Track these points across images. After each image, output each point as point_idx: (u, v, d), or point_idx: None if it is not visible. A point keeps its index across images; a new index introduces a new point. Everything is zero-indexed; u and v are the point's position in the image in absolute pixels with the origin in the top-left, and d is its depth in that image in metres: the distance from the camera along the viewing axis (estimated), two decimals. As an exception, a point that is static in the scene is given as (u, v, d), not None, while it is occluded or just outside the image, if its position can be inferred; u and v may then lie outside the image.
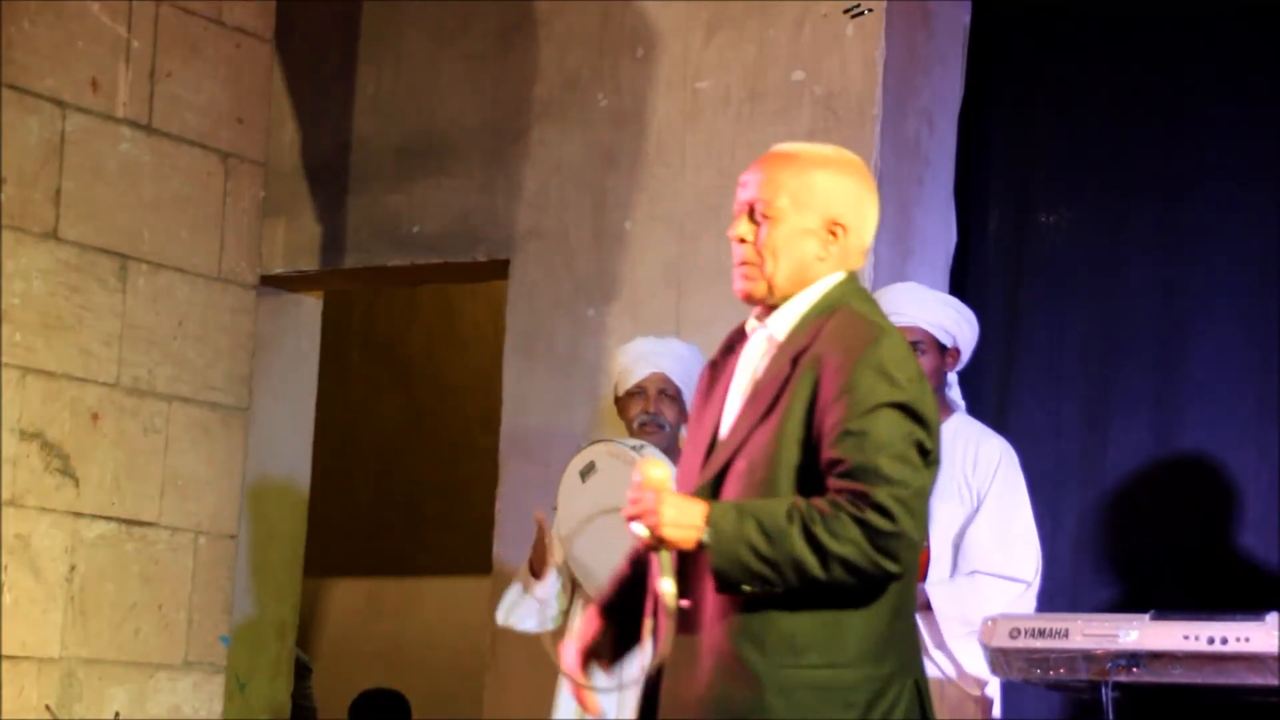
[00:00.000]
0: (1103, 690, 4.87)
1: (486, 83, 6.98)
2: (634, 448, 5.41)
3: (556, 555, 5.55)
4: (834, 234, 3.69)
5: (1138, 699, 5.00)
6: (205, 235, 6.43)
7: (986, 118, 6.50)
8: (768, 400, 3.61)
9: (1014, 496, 5.46)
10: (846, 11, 6.36)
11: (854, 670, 3.54)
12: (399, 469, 9.55)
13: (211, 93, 6.46)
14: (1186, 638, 4.80)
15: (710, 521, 3.51)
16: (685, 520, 3.52)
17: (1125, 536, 6.09)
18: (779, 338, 3.69)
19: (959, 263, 6.40)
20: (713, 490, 3.64)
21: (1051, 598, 5.65)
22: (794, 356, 3.62)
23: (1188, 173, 6.15)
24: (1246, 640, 4.75)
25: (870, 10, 6.32)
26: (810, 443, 3.56)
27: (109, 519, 6.12)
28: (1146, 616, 4.87)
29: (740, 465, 3.61)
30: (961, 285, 6.31)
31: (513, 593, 5.65)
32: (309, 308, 7.68)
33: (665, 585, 3.54)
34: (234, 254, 6.51)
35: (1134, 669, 4.83)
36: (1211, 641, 4.77)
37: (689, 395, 5.64)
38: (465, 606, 8.80)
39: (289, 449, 7.59)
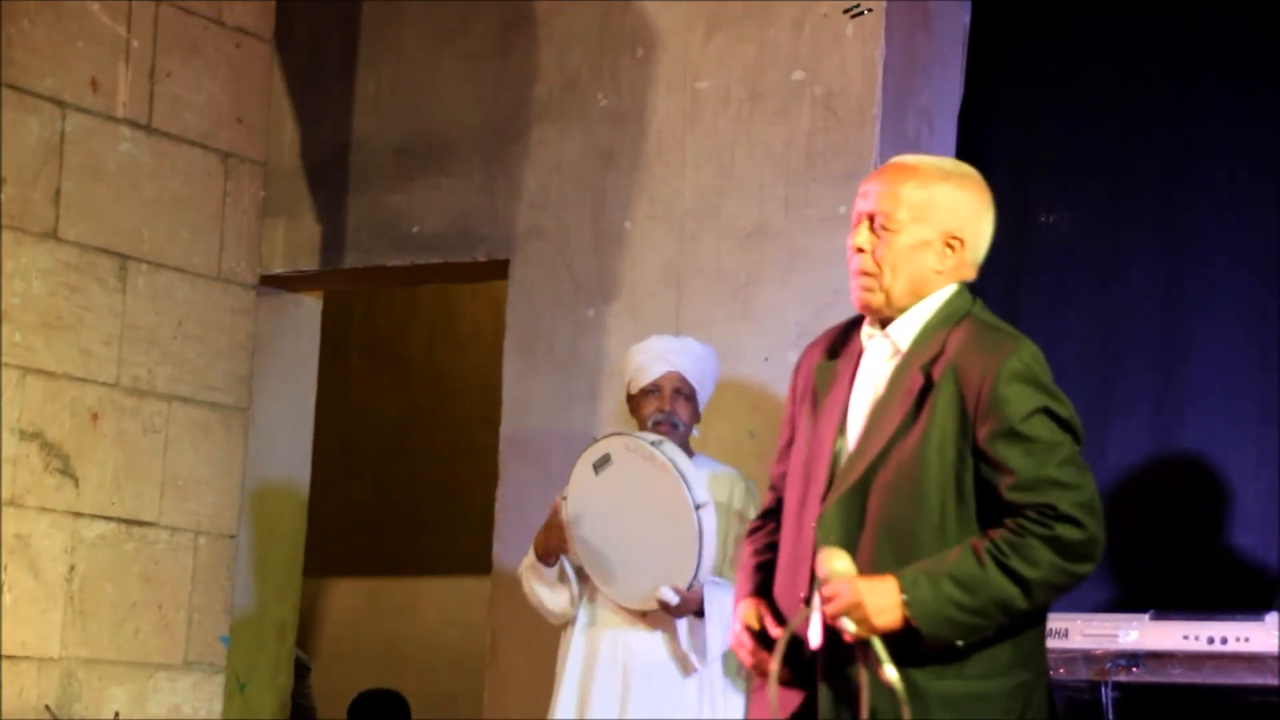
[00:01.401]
0: (1103, 690, 4.87)
1: (486, 83, 6.98)
2: (652, 443, 5.39)
3: (571, 551, 5.47)
4: (951, 247, 3.74)
5: (1138, 699, 5.00)
6: (205, 235, 6.43)
7: (986, 118, 6.49)
8: (904, 412, 3.64)
9: None
10: (846, 11, 6.36)
11: (1007, 679, 3.61)
12: (399, 469, 9.55)
13: (211, 93, 6.46)
14: (1186, 638, 4.81)
15: (906, 594, 3.53)
16: (886, 604, 3.54)
17: (1125, 536, 6.07)
18: (903, 347, 3.72)
19: (959, 263, 6.39)
20: (859, 503, 3.65)
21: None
22: (925, 366, 3.65)
23: (1188, 173, 6.15)
24: (1246, 640, 4.75)
25: (870, 10, 6.32)
26: (960, 453, 3.60)
27: (109, 519, 6.12)
28: (1146, 616, 4.87)
29: (883, 478, 3.63)
30: (961, 285, 6.31)
31: (542, 589, 5.56)
32: (309, 308, 7.68)
33: (890, 673, 3.55)
34: (234, 254, 6.51)
35: (1134, 669, 4.84)
36: (1211, 641, 4.77)
37: (702, 395, 5.64)
38: (465, 606, 8.81)
39: (289, 449, 7.59)
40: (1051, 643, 4.89)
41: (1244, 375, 5.98)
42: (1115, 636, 4.87)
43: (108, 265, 6.16)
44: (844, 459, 3.69)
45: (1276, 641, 4.72)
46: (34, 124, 5.98)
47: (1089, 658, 4.89)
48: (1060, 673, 4.94)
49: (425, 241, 7.04)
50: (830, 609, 3.57)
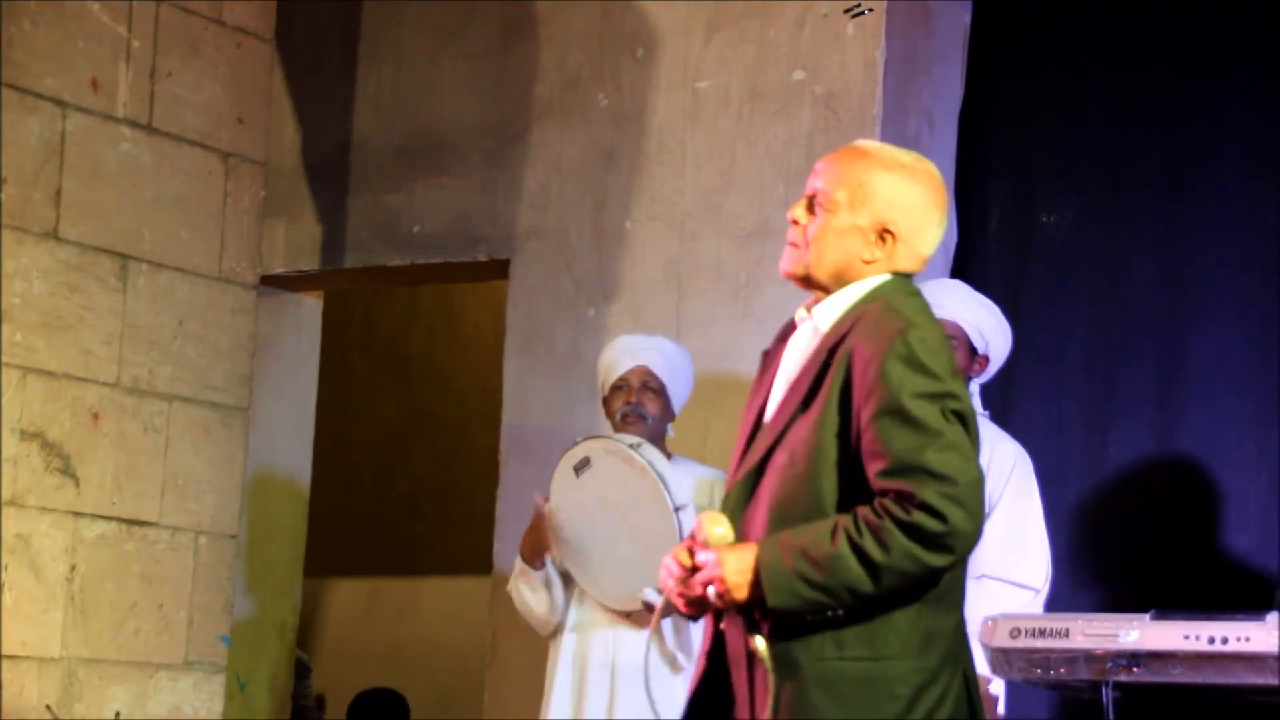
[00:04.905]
0: (1103, 690, 4.86)
1: (486, 83, 6.98)
2: (631, 445, 5.39)
3: (556, 551, 5.50)
4: (883, 239, 3.69)
5: (1138, 699, 5.00)
6: (205, 235, 6.43)
7: (986, 118, 6.49)
8: (803, 392, 3.62)
9: (1026, 502, 5.43)
10: (846, 11, 6.36)
11: (898, 663, 3.53)
12: (399, 469, 9.56)
13: (211, 92, 6.46)
14: (1186, 638, 4.80)
15: (759, 565, 3.52)
16: (744, 578, 3.53)
17: (1126, 536, 6.08)
18: (823, 329, 3.69)
19: (959, 263, 6.40)
20: (752, 482, 3.65)
21: (1052, 597, 5.65)
22: (831, 348, 3.62)
23: (1188, 172, 6.15)
24: (1246, 640, 4.74)
25: (870, 10, 6.32)
26: (847, 436, 3.55)
27: (109, 519, 6.12)
28: (1146, 616, 4.86)
29: (780, 458, 3.61)
30: (962, 285, 6.31)
31: (525, 591, 5.57)
32: (309, 308, 7.68)
33: (758, 643, 3.56)
34: (234, 254, 6.51)
35: (1134, 669, 4.83)
36: (1211, 641, 4.77)
37: (673, 392, 5.64)
38: (465, 606, 8.81)
39: (289, 449, 7.59)
40: (1051, 642, 4.91)
41: (1244, 375, 5.98)
42: (1116, 636, 4.86)
43: (108, 265, 6.16)
44: (755, 439, 3.70)
45: (1276, 641, 4.72)
46: (34, 124, 5.98)
47: (1089, 657, 4.89)
48: (1060, 673, 4.94)
49: (425, 241, 7.04)
50: (698, 577, 3.58)
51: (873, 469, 3.50)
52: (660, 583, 3.69)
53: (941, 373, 3.54)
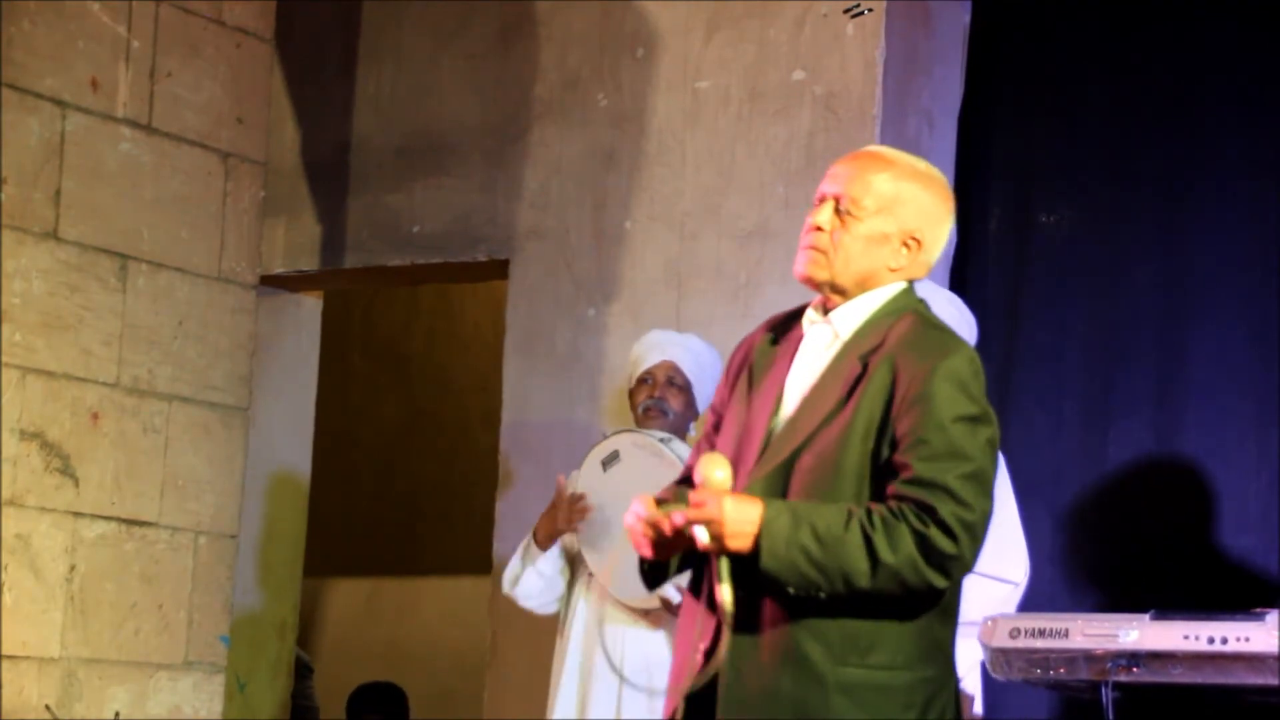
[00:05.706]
0: (1103, 690, 4.86)
1: (486, 83, 6.98)
2: (661, 439, 5.40)
3: (579, 530, 5.49)
4: (908, 246, 3.73)
5: (1138, 699, 5.00)
6: (205, 235, 6.43)
7: (986, 118, 6.49)
8: (836, 398, 3.63)
9: (1002, 496, 5.42)
10: (846, 11, 6.36)
11: (911, 672, 3.58)
12: (399, 469, 9.56)
13: (211, 93, 6.46)
14: (1186, 638, 4.80)
15: (765, 522, 3.51)
16: (743, 529, 3.52)
17: (1125, 536, 6.08)
18: (844, 335, 3.71)
19: (959, 263, 6.40)
20: (781, 483, 3.64)
21: (1051, 597, 5.65)
22: (863, 356, 3.64)
23: (1188, 172, 6.15)
24: (1246, 640, 4.74)
25: (870, 10, 6.32)
26: (879, 445, 3.58)
27: (109, 519, 6.12)
28: (1146, 616, 4.87)
29: (806, 461, 3.61)
30: (961, 285, 6.31)
31: (516, 562, 5.61)
32: (309, 308, 7.69)
33: (724, 593, 3.54)
34: (234, 254, 6.51)
35: (1134, 669, 4.83)
36: (1211, 641, 4.77)
37: (699, 391, 5.64)
38: (465, 606, 8.81)
39: (289, 449, 7.59)
40: (1051, 643, 4.91)
41: (1244, 375, 5.98)
42: (1115, 636, 4.86)
43: (108, 265, 6.16)
44: (774, 439, 3.69)
45: (1276, 641, 4.72)
46: (34, 124, 5.98)
47: (1089, 658, 4.89)
48: (1060, 673, 4.94)
49: (425, 241, 7.05)
50: (690, 514, 3.54)
51: (898, 475, 3.53)
52: (625, 521, 3.65)
53: (983, 402, 3.60)
